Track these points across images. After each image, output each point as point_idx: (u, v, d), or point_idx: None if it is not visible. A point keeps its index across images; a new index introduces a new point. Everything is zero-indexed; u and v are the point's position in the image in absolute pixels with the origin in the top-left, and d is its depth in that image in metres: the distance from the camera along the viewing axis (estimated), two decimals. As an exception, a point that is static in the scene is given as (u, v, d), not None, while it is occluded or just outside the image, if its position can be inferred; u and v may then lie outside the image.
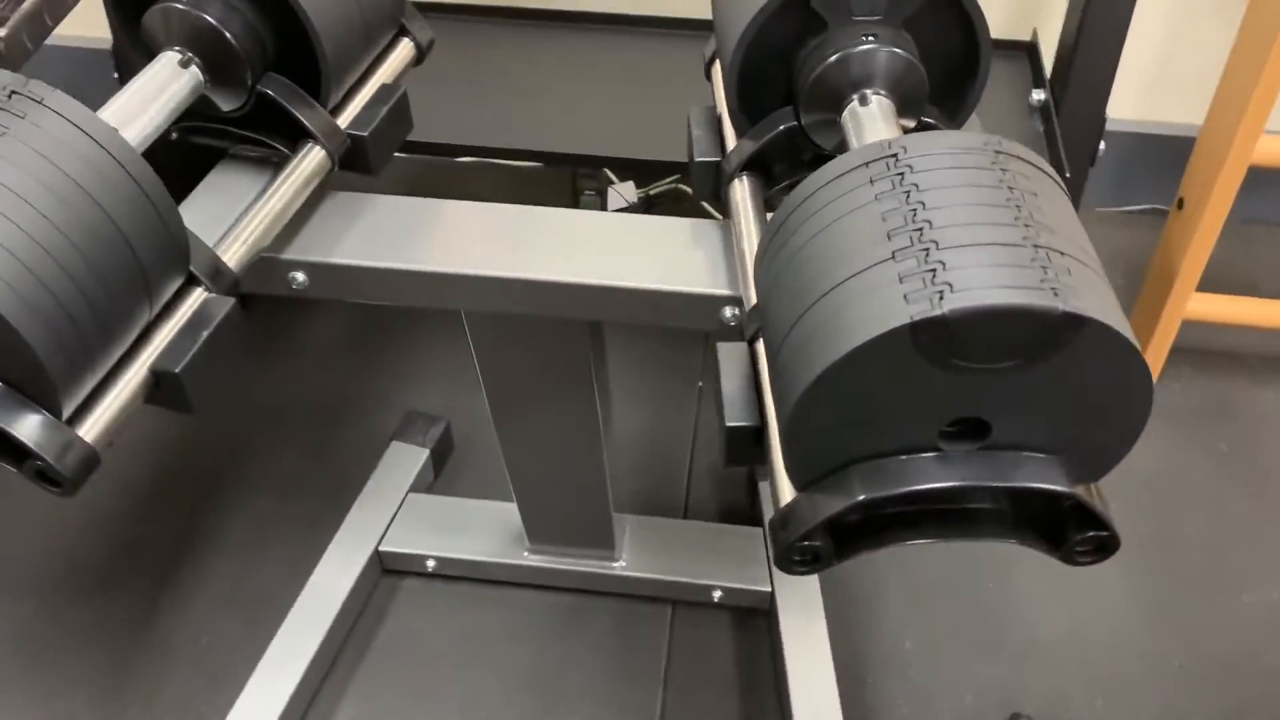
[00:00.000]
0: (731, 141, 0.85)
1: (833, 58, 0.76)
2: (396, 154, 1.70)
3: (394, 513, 1.32)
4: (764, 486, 1.37)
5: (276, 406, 1.53)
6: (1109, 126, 1.73)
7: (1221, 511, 1.42)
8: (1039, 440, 0.59)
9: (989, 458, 0.58)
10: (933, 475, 0.58)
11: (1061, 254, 0.55)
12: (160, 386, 0.71)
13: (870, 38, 0.76)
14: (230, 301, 0.74)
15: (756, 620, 1.29)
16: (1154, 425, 1.53)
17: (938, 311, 0.52)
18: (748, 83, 0.81)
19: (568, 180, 1.67)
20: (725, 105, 0.84)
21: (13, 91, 0.65)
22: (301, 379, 1.57)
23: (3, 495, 1.42)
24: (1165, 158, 1.68)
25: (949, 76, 0.82)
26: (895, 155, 0.60)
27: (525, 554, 1.29)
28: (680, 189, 1.77)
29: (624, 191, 1.75)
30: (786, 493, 0.63)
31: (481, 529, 1.31)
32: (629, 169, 1.69)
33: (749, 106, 0.83)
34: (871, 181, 0.59)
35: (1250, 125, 1.27)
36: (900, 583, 1.34)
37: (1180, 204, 1.43)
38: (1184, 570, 1.36)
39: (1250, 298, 1.49)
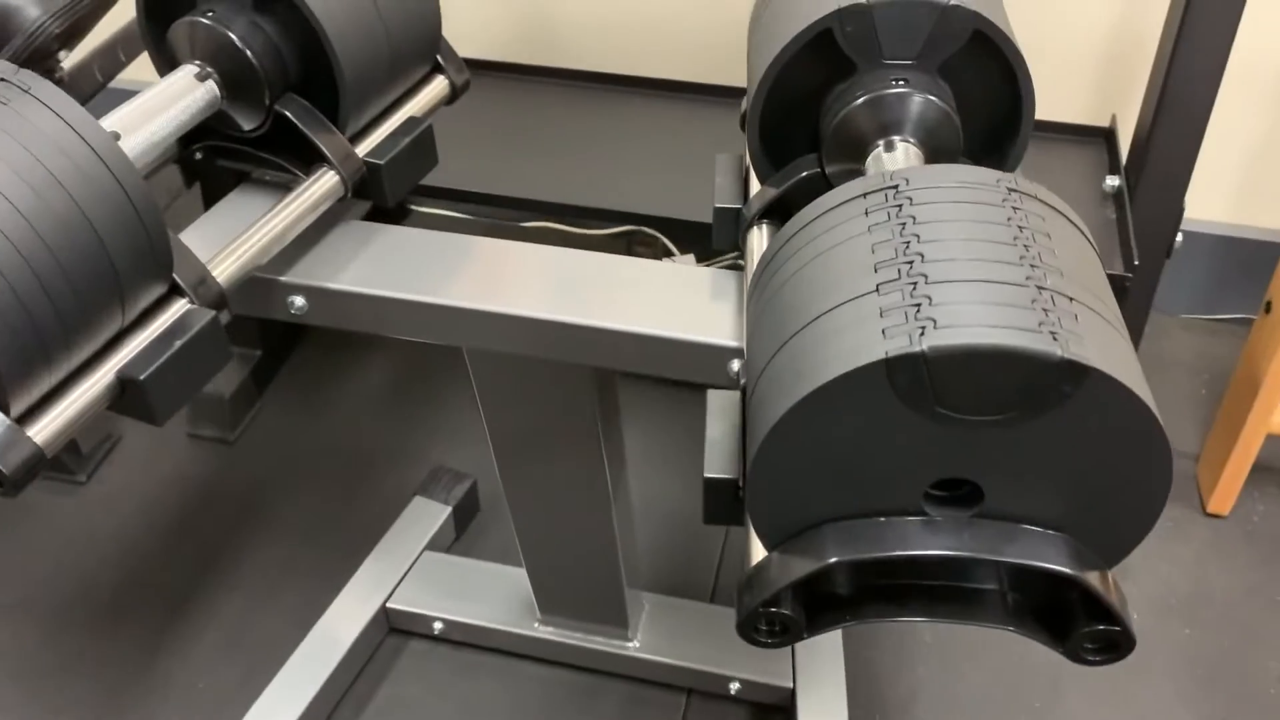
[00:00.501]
0: (755, 189, 0.81)
1: (858, 101, 0.71)
2: (457, 215, 1.71)
3: (406, 570, 1.28)
4: (795, 575, 1.29)
5: (311, 453, 1.51)
6: (1198, 229, 1.66)
7: (1291, 628, 1.28)
8: (1040, 513, 0.51)
9: (981, 527, 0.51)
10: (916, 541, 0.51)
11: (1070, 299, 0.48)
12: (125, 393, 0.68)
13: (900, 82, 0.71)
14: (209, 314, 0.71)
15: (775, 718, 1.20)
16: (1234, 544, 1.41)
17: (917, 348, 0.46)
18: (772, 128, 0.77)
19: (623, 247, 1.64)
20: (749, 149, 0.80)
21: (1, 79, 0.64)
22: (339, 428, 1.55)
23: (29, 516, 1.42)
24: (1258, 264, 1.58)
25: (991, 131, 0.76)
26: (896, 186, 0.54)
27: (536, 625, 1.23)
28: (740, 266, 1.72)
29: (683, 265, 1.72)
30: (757, 553, 0.56)
31: (493, 594, 1.25)
32: (689, 238, 1.65)
33: (773, 153, 0.78)
34: (867, 213, 0.54)
35: (1344, 225, 1.18)
36: (936, 693, 1.24)
37: (1268, 308, 1.33)
38: (1261, 708, 1.22)
39: (1344, 415, 1.37)
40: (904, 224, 0.52)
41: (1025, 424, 0.48)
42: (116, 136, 0.74)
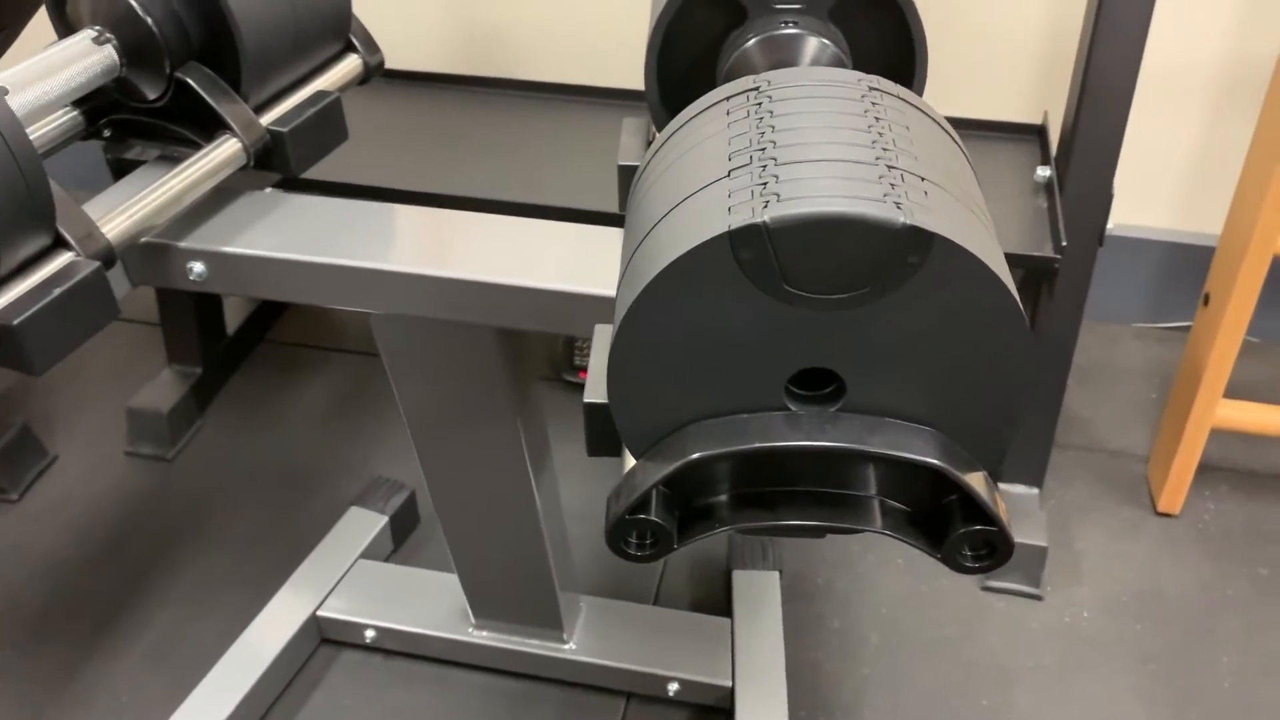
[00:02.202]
0: (659, 148, 0.80)
1: (748, 43, 0.71)
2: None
3: (339, 578, 1.25)
4: (737, 575, 1.26)
5: (251, 469, 1.48)
6: (1147, 236, 1.67)
7: (1259, 641, 1.26)
8: (906, 407, 0.50)
9: (846, 421, 0.50)
10: (776, 434, 0.50)
11: (921, 179, 0.47)
12: (0, 341, 0.67)
13: (789, 24, 0.71)
14: (94, 265, 0.70)
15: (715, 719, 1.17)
16: (1185, 543, 1.40)
17: (759, 219, 0.45)
18: (671, 80, 0.77)
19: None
20: (648, 101, 0.79)
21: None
22: (280, 444, 1.53)
23: (-42, 538, 1.39)
24: (1204, 271, 1.58)
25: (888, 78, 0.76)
26: (758, 87, 0.54)
27: (470, 630, 1.19)
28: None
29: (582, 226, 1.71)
30: (629, 464, 0.55)
31: (427, 600, 1.22)
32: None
33: (673, 107, 0.78)
34: (729, 113, 0.53)
35: (1270, 215, 1.18)
36: (883, 693, 1.20)
37: (1206, 300, 1.33)
38: (1214, 703, 1.20)
39: (1289, 408, 1.36)
40: (762, 118, 0.51)
41: (877, 302, 0.46)
42: (3, 92, 0.73)
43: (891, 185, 0.46)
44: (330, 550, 1.29)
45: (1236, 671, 1.22)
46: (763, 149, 0.49)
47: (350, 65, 0.94)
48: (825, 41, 0.71)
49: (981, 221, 0.50)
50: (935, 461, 0.49)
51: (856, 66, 0.73)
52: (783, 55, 0.71)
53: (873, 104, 0.52)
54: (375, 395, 1.60)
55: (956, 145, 0.55)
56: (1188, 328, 1.70)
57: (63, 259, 0.70)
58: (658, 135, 0.57)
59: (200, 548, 1.37)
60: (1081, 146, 1.17)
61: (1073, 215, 1.18)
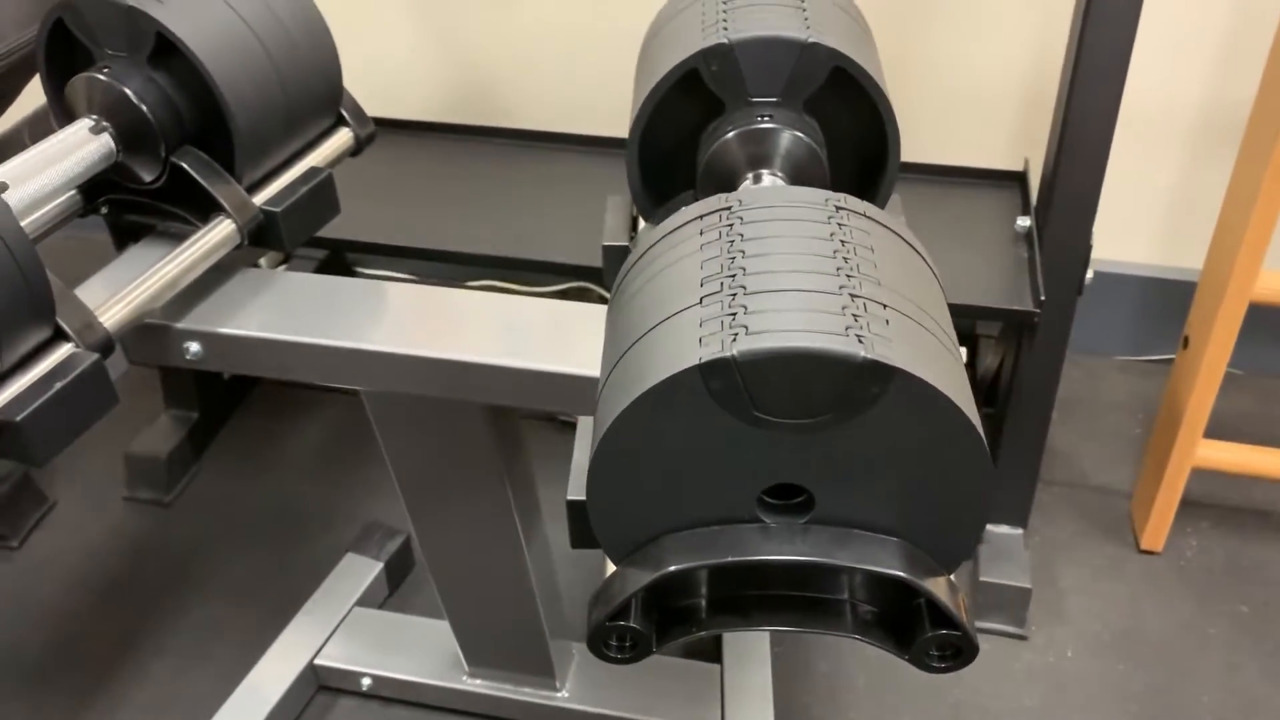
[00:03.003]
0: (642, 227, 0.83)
1: (725, 137, 0.74)
2: (402, 276, 1.72)
3: (335, 626, 1.27)
4: (726, 620, 1.28)
5: (247, 514, 1.51)
6: (1128, 271, 1.70)
7: (1239, 679, 1.28)
8: (873, 518, 0.52)
9: (816, 533, 0.52)
10: (750, 547, 0.52)
11: (883, 305, 0.50)
12: (3, 435, 0.69)
13: (766, 118, 0.73)
14: (93, 357, 0.72)
15: (706, 766, 1.19)
16: (1167, 581, 1.42)
17: (728, 353, 0.47)
18: (652, 167, 0.79)
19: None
20: (630, 188, 0.82)
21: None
22: (276, 490, 1.55)
23: (-41, 587, 1.41)
24: (1185, 304, 1.61)
25: (862, 165, 0.79)
26: (729, 207, 0.56)
27: (464, 678, 1.22)
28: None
29: (566, 302, 1.73)
30: (610, 570, 0.57)
31: (422, 648, 1.24)
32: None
33: (655, 190, 0.81)
34: (702, 232, 0.56)
35: (1247, 261, 1.21)
36: (870, 736, 1.23)
37: (1185, 343, 1.36)
38: (1193, 744, 1.22)
39: (1265, 447, 1.39)
40: (733, 241, 0.54)
41: (842, 426, 0.49)
42: (2, 188, 0.75)
43: (854, 316, 0.48)
44: (327, 598, 1.31)
45: (1216, 711, 1.25)
46: (732, 275, 0.51)
47: (341, 138, 0.96)
48: (799, 135, 0.73)
49: (943, 343, 0.52)
50: (903, 575, 0.51)
51: (831, 150, 0.75)
52: (758, 150, 0.73)
53: (839, 225, 0.54)
54: (370, 437, 1.61)
55: (922, 260, 0.57)
56: (1169, 360, 1.73)
57: (63, 351, 0.73)
58: (636, 243, 0.60)
59: (198, 595, 1.39)
60: (1061, 199, 1.20)
61: (1052, 266, 1.21)
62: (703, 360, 0.47)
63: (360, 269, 1.78)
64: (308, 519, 1.50)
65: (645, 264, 0.57)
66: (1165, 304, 1.71)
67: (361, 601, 1.31)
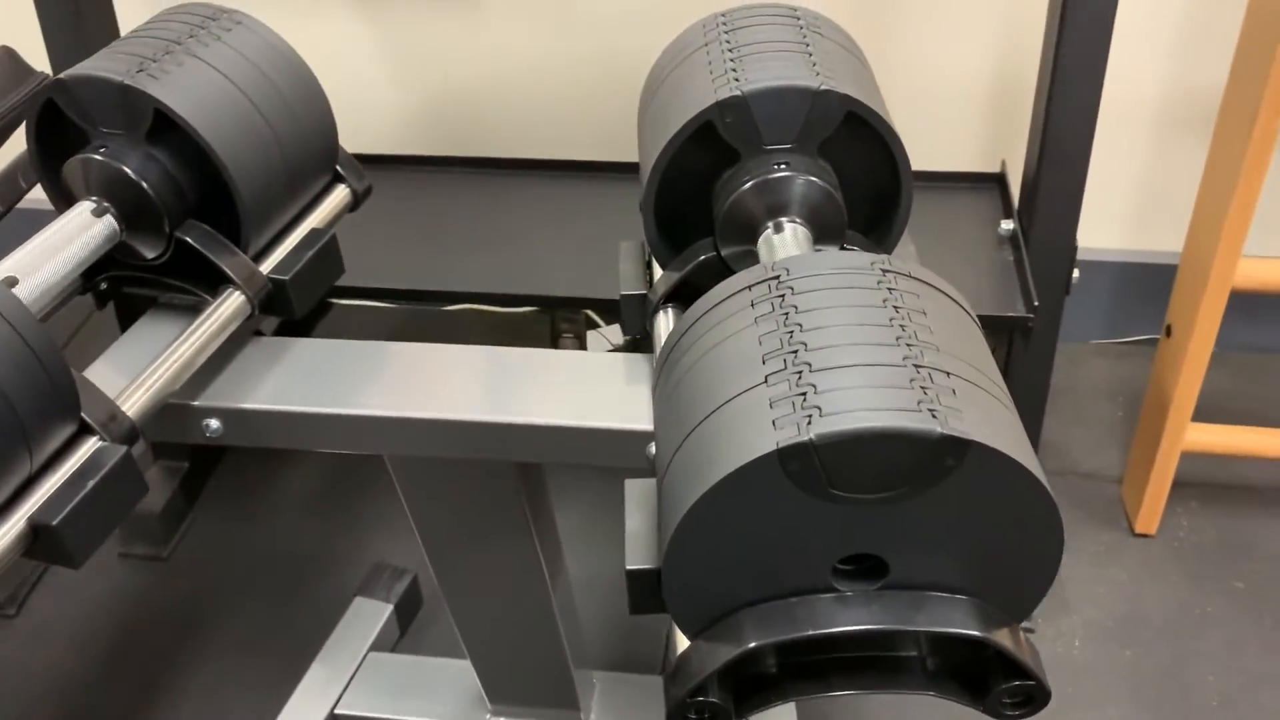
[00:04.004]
0: (659, 275, 0.83)
1: (744, 187, 0.74)
2: (381, 304, 1.71)
3: (353, 673, 1.26)
4: (742, 638, 1.29)
5: (247, 562, 1.49)
6: (1100, 257, 1.73)
7: (1241, 655, 1.32)
8: (944, 579, 0.53)
9: (890, 599, 0.53)
10: (829, 619, 0.53)
11: (947, 374, 0.51)
12: (39, 539, 0.68)
13: (782, 166, 0.74)
14: (121, 450, 0.71)
15: (736, 785, 1.20)
16: (1164, 562, 1.45)
17: (805, 437, 0.48)
18: (668, 215, 0.79)
19: (546, 326, 1.66)
20: (646, 237, 0.82)
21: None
22: (273, 534, 1.53)
23: (-42, 661, 1.38)
24: (1155, 285, 1.64)
25: (875, 203, 0.79)
26: (778, 277, 0.57)
27: (487, 716, 1.21)
28: (664, 332, 1.75)
29: (610, 335, 1.74)
30: (683, 642, 0.57)
31: (442, 690, 1.24)
32: (612, 310, 1.68)
33: (671, 238, 0.81)
34: (753, 304, 0.56)
35: (1227, 250, 1.24)
36: (892, 741, 1.25)
37: (1168, 331, 1.39)
38: (1202, 723, 1.25)
39: (1251, 427, 1.42)
40: (786, 314, 0.54)
41: (916, 498, 0.50)
42: (13, 282, 0.74)
43: (923, 389, 0.49)
44: (340, 645, 1.30)
45: (1223, 691, 1.28)
46: (794, 351, 0.52)
47: (339, 195, 0.95)
48: (816, 181, 0.73)
49: (1003, 403, 0.53)
50: (980, 635, 0.52)
51: (845, 192, 0.76)
52: (777, 199, 0.74)
53: (889, 290, 0.55)
54: (365, 474, 1.61)
55: (966, 313, 0.58)
56: (1144, 341, 1.77)
57: (89, 445, 0.71)
58: (685, 314, 0.60)
59: (205, 650, 1.38)
60: (1045, 201, 1.22)
61: (1039, 268, 1.23)
62: (780, 445, 0.48)
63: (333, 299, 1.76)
64: (309, 562, 1.48)
65: (697, 335, 0.58)
66: (1136, 287, 1.75)
67: (375, 646, 1.30)
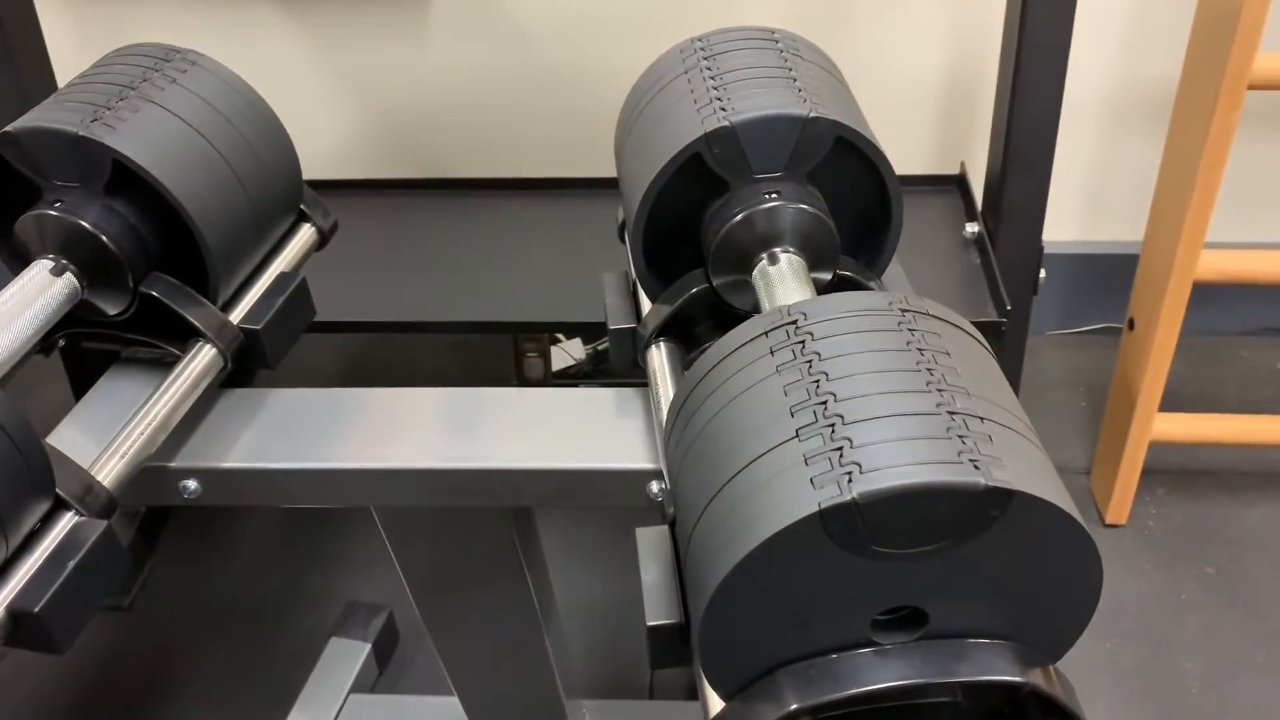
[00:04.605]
0: (646, 306, 0.81)
1: (736, 218, 0.72)
2: (337, 334, 1.67)
3: (334, 717, 1.22)
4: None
5: (214, 606, 1.44)
6: (1053, 250, 1.74)
7: (1217, 641, 1.34)
8: (983, 625, 0.52)
9: (930, 650, 0.52)
10: (870, 675, 0.51)
11: (981, 419, 0.49)
12: (20, 628, 0.64)
13: (773, 195, 0.72)
14: (101, 525, 0.67)
15: (733, 807, 1.19)
16: (1136, 552, 1.46)
17: (847, 496, 0.46)
18: (656, 246, 0.77)
19: (509, 344, 1.64)
20: (635, 270, 0.80)
21: None
22: (237, 574, 1.49)
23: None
24: (1111, 275, 1.66)
25: (864, 226, 0.78)
26: (795, 322, 0.55)
27: (478, 753, 1.19)
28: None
29: (570, 349, 1.72)
30: (714, 703, 0.56)
31: (429, 729, 1.21)
32: (570, 331, 1.66)
33: (660, 269, 0.79)
34: (772, 352, 0.55)
35: (1189, 244, 1.25)
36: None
37: (1131, 324, 1.40)
38: (1188, 710, 1.27)
39: (1217, 414, 1.45)
40: (810, 361, 0.53)
41: (958, 549, 0.48)
42: (-27, 352, 0.70)
43: (960, 439, 0.48)
44: (319, 689, 1.26)
45: (1202, 678, 1.30)
46: (823, 402, 0.50)
47: (306, 236, 0.92)
48: (809, 209, 0.72)
49: (1034, 444, 0.52)
50: (1024, 681, 0.51)
51: (836, 218, 0.74)
52: (771, 228, 0.72)
53: (910, 331, 0.54)
54: (326, 509, 1.57)
55: (984, 348, 0.57)
56: (1100, 330, 1.79)
57: (66, 521, 0.67)
58: (699, 361, 0.58)
59: (176, 703, 1.33)
60: (1010, 203, 1.22)
61: (1007, 270, 1.23)
62: (822, 506, 0.46)
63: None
64: (277, 603, 1.44)
65: (714, 384, 0.56)
66: (1089, 277, 1.77)
67: (355, 688, 1.27)
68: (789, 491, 0.48)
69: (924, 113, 1.59)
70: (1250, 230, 1.67)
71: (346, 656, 1.30)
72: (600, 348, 1.75)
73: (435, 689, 1.26)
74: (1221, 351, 1.75)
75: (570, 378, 1.66)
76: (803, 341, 0.54)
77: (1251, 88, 1.14)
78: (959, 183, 1.39)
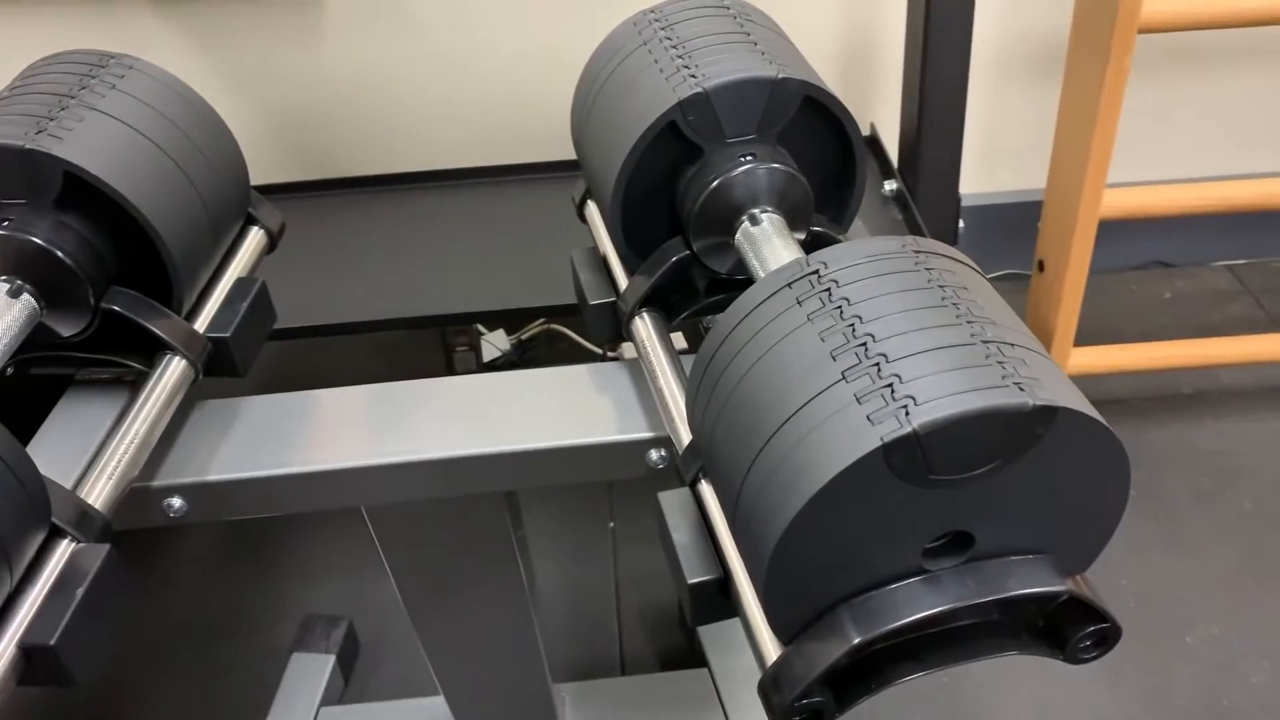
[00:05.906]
0: (621, 279, 0.82)
1: (715, 183, 0.74)
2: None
3: (309, 733, 1.20)
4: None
5: (159, 629, 1.39)
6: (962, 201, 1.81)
7: (1147, 558, 1.42)
8: (1025, 542, 0.55)
9: (978, 571, 0.54)
10: (925, 602, 0.53)
11: (1011, 345, 0.52)
12: (33, 662, 0.61)
13: (748, 157, 0.74)
14: (104, 549, 0.65)
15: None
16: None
17: (907, 428, 0.48)
18: (630, 218, 0.78)
19: (437, 339, 1.62)
20: (610, 244, 0.80)
21: None
22: (180, 600, 1.43)
23: None
24: (1011, 222, 1.74)
25: (828, 184, 0.81)
26: (816, 272, 0.57)
27: (461, 750, 1.18)
28: (552, 329, 1.73)
29: (495, 341, 1.71)
30: (769, 648, 0.57)
31: (410, 733, 1.20)
32: (498, 319, 1.65)
33: (634, 241, 0.80)
34: (799, 302, 0.56)
35: (1093, 185, 1.32)
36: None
37: (1040, 266, 1.47)
38: (1129, 623, 1.34)
39: (1126, 344, 1.53)
40: (839, 307, 0.54)
41: (1005, 470, 0.51)
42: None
43: (1001, 365, 0.50)
44: (287, 706, 1.23)
45: (1138, 591, 1.38)
46: (863, 344, 0.52)
47: (256, 238, 0.90)
48: (785, 169, 0.74)
49: (1051, 361, 0.55)
50: (1067, 589, 0.54)
51: (802, 173, 0.76)
52: (749, 191, 0.74)
53: (928, 270, 0.56)
54: (271, 521, 1.53)
55: (986, 281, 0.60)
56: (1009, 275, 1.87)
57: (63, 549, 0.65)
58: (721, 320, 0.59)
59: (135, 739, 1.28)
60: (928, 159, 1.27)
61: (930, 224, 1.28)
62: (885, 440, 0.48)
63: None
64: (226, 625, 1.40)
65: (742, 340, 0.57)
66: (986, 224, 1.84)
67: (325, 701, 1.24)
68: (848, 430, 0.49)
69: (828, 80, 1.62)
70: (1133, 172, 1.77)
71: (311, 670, 1.27)
72: (524, 337, 1.74)
73: (401, 693, 1.25)
74: (1113, 286, 1.85)
75: (500, 369, 1.65)
76: (828, 289, 0.56)
77: (1142, 31, 1.21)
78: (871, 144, 1.43)
